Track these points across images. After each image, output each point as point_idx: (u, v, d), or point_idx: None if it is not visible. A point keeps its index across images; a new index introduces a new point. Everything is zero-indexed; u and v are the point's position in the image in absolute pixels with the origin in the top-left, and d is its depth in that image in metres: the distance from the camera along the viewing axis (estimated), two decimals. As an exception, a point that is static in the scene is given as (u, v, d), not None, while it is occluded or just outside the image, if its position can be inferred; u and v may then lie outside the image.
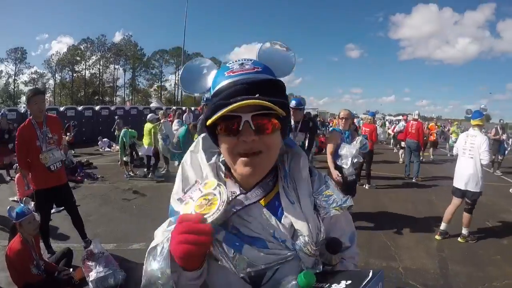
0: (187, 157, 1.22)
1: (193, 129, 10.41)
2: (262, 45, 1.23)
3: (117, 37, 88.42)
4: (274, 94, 0.98)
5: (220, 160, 1.20)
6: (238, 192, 1.11)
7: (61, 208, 6.60)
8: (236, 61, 1.08)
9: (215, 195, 0.97)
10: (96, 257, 4.51)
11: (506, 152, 15.87)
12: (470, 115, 7.01)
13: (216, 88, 1.05)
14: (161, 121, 11.59)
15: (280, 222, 1.06)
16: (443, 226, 6.74)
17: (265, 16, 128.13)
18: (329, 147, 6.38)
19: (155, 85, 78.15)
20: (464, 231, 6.54)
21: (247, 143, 0.99)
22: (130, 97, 72.52)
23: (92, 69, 72.28)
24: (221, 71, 1.09)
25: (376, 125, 14.54)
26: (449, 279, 5.12)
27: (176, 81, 70.69)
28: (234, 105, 0.93)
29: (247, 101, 0.92)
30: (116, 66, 74.06)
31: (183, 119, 17.47)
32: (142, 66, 76.74)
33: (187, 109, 24.53)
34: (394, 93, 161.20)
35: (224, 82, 1.03)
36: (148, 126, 11.24)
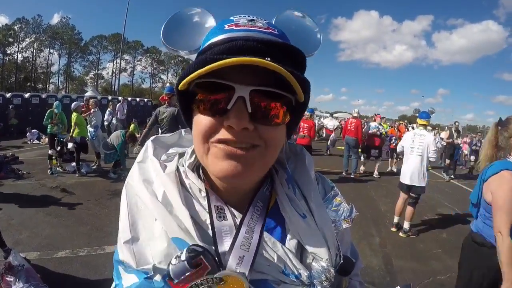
0: (133, 173, 0.88)
1: (130, 140, 9.93)
2: (279, 15, 0.96)
3: (55, 19, 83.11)
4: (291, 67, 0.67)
5: (186, 162, 0.91)
6: (227, 213, 0.83)
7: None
8: (244, 16, 0.80)
9: None
10: (16, 271, 4.01)
11: (460, 158, 15.42)
12: (417, 114, 7.39)
13: (207, 44, 0.77)
14: (91, 111, 10.95)
15: (285, 247, 0.83)
16: (396, 219, 7.16)
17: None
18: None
19: (92, 73, 74.72)
20: (406, 225, 6.86)
21: (234, 132, 0.70)
22: (65, 85, 68.59)
23: (25, 52, 67.71)
24: (221, 23, 0.80)
25: (315, 122, 14.87)
26: (395, 275, 5.25)
27: (114, 70, 68.28)
28: (228, 60, 0.62)
29: (251, 59, 0.62)
30: (51, 51, 69.83)
31: (116, 109, 16.78)
32: (79, 52, 72.96)
33: (123, 99, 23.39)
34: (332, 92, 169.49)
35: (220, 37, 0.75)
36: (72, 116, 10.49)
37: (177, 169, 0.89)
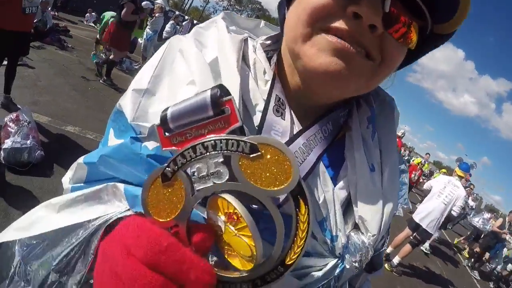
0: (187, 34, 0.73)
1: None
2: None
3: None
4: None
5: (259, 41, 0.75)
6: (286, 113, 0.66)
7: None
8: None
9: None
10: (20, 124, 4.01)
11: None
12: (458, 163, 7.15)
13: None
14: (156, 15, 10.72)
15: (336, 192, 0.67)
16: (388, 249, 6.76)
17: None
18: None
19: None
20: (396, 260, 6.54)
21: (357, 25, 0.56)
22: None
23: None
24: None
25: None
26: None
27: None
28: None
29: None
30: None
31: (182, 24, 16.57)
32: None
33: (190, 19, 22.98)
34: None
35: None
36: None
37: (245, 41, 0.71)
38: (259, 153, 0.42)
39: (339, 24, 0.57)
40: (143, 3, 10.65)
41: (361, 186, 0.68)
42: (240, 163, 0.42)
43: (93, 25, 17.20)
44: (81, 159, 0.68)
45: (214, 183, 0.43)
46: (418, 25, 0.60)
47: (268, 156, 0.42)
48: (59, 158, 4.26)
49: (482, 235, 10.82)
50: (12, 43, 4.83)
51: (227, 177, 0.43)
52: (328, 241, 0.64)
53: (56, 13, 14.56)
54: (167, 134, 0.47)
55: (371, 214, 0.67)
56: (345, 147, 0.72)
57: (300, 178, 0.42)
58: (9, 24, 4.57)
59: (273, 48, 0.77)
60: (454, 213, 6.52)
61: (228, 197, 0.44)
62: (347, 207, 0.69)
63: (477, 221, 9.64)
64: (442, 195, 6.46)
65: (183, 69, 0.65)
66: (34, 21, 9.20)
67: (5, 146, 3.82)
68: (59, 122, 5.32)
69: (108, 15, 10.30)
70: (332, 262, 0.64)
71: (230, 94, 0.46)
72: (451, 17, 0.59)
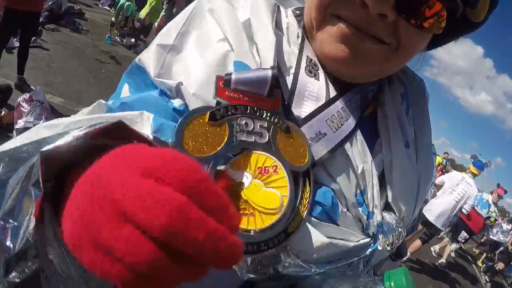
0: None
1: None
2: None
3: None
4: None
5: (291, 8, 0.75)
6: (320, 74, 0.64)
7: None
8: None
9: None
10: (33, 105, 4.03)
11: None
12: (472, 160, 7.08)
13: None
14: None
15: (375, 165, 0.66)
16: None
17: None
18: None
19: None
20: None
21: (365, 14, 0.55)
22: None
23: None
24: None
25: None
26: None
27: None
28: None
29: None
30: None
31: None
32: None
33: None
34: None
35: None
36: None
37: (278, 7, 0.70)
38: (291, 133, 0.51)
39: (348, 12, 0.57)
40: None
41: (397, 161, 0.67)
42: (277, 135, 0.50)
43: (108, 8, 17.14)
44: (101, 100, 0.64)
45: (255, 140, 0.48)
46: (443, 6, 0.56)
47: (295, 139, 0.51)
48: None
49: (502, 248, 10.22)
50: (21, 23, 4.90)
51: (266, 139, 0.49)
52: (364, 217, 0.62)
53: (71, -5, 14.57)
54: (224, 87, 0.51)
55: (405, 192, 0.66)
56: (378, 122, 0.71)
57: (310, 165, 0.52)
58: (16, 3, 4.63)
59: (302, 18, 0.74)
60: (464, 211, 6.45)
61: (265, 153, 0.49)
62: (381, 185, 0.67)
63: (495, 232, 9.18)
64: (455, 192, 6.39)
65: (213, 28, 0.63)
66: (49, 3, 9.28)
67: (18, 126, 3.85)
68: (72, 103, 5.37)
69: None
70: (364, 240, 0.62)
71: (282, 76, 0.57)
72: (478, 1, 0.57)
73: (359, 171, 0.61)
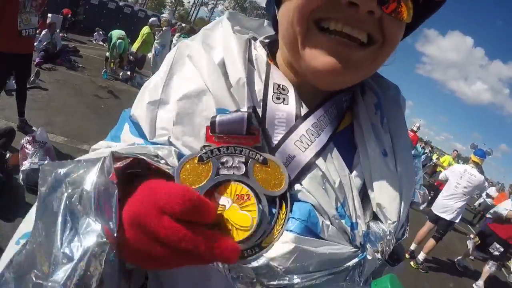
0: (195, 37, 0.75)
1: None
2: None
3: None
4: None
5: (259, 39, 0.78)
6: (290, 97, 0.67)
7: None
8: None
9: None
10: (37, 146, 4.09)
11: None
12: (473, 150, 6.84)
13: None
14: (163, 28, 10.81)
15: (352, 177, 0.68)
16: (413, 246, 6.61)
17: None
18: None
19: (173, -3, 75.19)
20: (421, 256, 6.38)
21: (354, 13, 0.56)
22: (144, 0, 69.49)
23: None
24: None
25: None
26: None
27: (196, 0, 67.88)
28: None
29: None
30: (140, -38, 70.48)
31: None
32: (167, -29, 73.32)
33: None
34: None
35: None
36: (144, 29, 10.56)
37: (250, 40, 0.74)
38: (267, 164, 0.58)
39: (337, 14, 0.57)
40: (150, 20, 10.81)
41: (376, 171, 0.68)
42: (254, 167, 0.57)
43: (102, 43, 17.49)
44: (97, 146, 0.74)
45: (233, 172, 0.57)
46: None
47: (272, 168, 0.58)
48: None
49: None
50: (14, 66, 4.86)
51: (243, 171, 0.57)
52: (348, 229, 0.63)
53: (65, 34, 14.86)
54: (211, 133, 0.59)
55: (389, 200, 0.66)
56: (355, 134, 0.73)
57: (287, 189, 0.58)
58: (6, 46, 4.57)
59: (272, 40, 0.79)
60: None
61: (242, 183, 0.57)
62: (364, 196, 0.68)
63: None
64: (460, 186, 6.24)
65: (192, 73, 0.67)
66: (44, 43, 9.44)
67: (23, 168, 3.88)
68: (75, 141, 5.41)
69: (116, 34, 10.47)
70: (352, 250, 0.62)
71: (259, 117, 0.64)
72: None
73: (336, 185, 0.63)
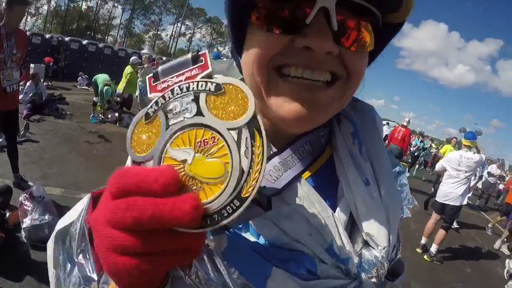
0: None
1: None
2: None
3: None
4: None
5: None
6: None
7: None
8: None
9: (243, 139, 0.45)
10: (35, 201, 4.11)
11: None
12: (463, 133, 6.91)
13: None
14: (145, 66, 10.92)
15: (336, 216, 0.66)
16: (423, 240, 6.68)
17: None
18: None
19: (151, 32, 75.76)
20: (434, 248, 6.41)
21: (312, 56, 0.55)
22: (123, 39, 69.95)
23: (90, 1, 69.23)
24: None
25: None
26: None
27: (173, 33, 68.64)
28: None
29: None
30: (116, 4, 71.22)
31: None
32: (142, 10, 74.09)
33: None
34: (384, 98, 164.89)
35: None
36: (127, 69, 10.59)
37: None
38: (222, 90, 0.46)
39: (295, 59, 0.57)
40: (131, 59, 10.90)
41: (360, 202, 0.67)
42: (206, 100, 0.47)
43: (87, 87, 17.55)
44: None
45: (184, 118, 0.47)
46: (369, 23, 0.59)
47: (230, 94, 0.46)
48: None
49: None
50: (1, 123, 4.79)
51: (195, 111, 0.46)
52: (341, 265, 0.63)
53: (49, 83, 14.94)
54: (154, 82, 0.52)
55: (377, 228, 0.67)
56: (336, 167, 0.72)
57: (255, 112, 0.45)
58: None
59: None
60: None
61: (201, 127, 0.47)
62: (353, 226, 0.69)
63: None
64: (461, 172, 6.29)
65: None
66: (30, 95, 9.45)
67: (24, 225, 3.88)
68: (72, 191, 5.40)
69: (101, 80, 10.48)
70: (347, 282, 0.63)
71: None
72: (400, 5, 0.58)
73: (322, 229, 0.62)
